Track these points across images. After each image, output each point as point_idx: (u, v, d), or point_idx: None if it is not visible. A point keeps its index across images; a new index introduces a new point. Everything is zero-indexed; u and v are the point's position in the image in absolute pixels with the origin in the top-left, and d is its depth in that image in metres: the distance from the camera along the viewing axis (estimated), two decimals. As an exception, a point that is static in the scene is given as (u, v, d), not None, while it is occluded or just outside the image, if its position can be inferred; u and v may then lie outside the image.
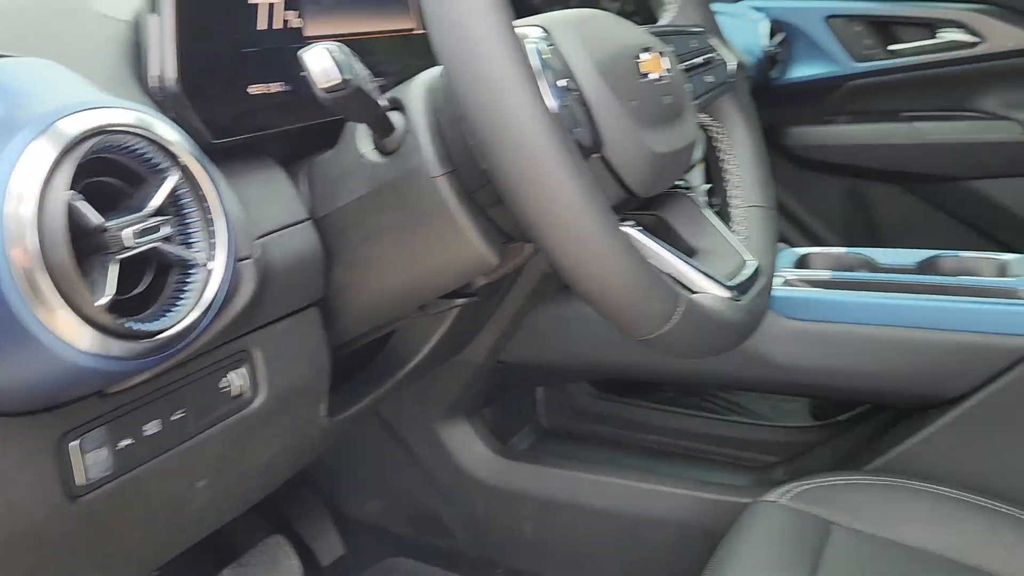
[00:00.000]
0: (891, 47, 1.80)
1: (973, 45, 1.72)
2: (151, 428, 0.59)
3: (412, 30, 0.82)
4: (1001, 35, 1.69)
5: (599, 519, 1.19)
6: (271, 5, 0.68)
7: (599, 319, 0.60)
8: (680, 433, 1.34)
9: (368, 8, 0.77)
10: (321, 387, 0.75)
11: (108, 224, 0.45)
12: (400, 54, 0.79)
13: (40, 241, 0.41)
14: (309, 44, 0.58)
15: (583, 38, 0.62)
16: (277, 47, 0.67)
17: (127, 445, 0.57)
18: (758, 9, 1.82)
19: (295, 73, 0.62)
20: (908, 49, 1.78)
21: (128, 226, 0.45)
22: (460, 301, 0.78)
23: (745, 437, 1.29)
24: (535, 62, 0.57)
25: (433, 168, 0.64)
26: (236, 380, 0.65)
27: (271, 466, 0.75)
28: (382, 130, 0.65)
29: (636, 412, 1.39)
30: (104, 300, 0.44)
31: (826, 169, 1.91)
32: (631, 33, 0.67)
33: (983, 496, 0.91)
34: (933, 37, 1.76)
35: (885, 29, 1.81)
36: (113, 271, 0.45)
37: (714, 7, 0.90)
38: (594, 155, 0.61)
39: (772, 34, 1.79)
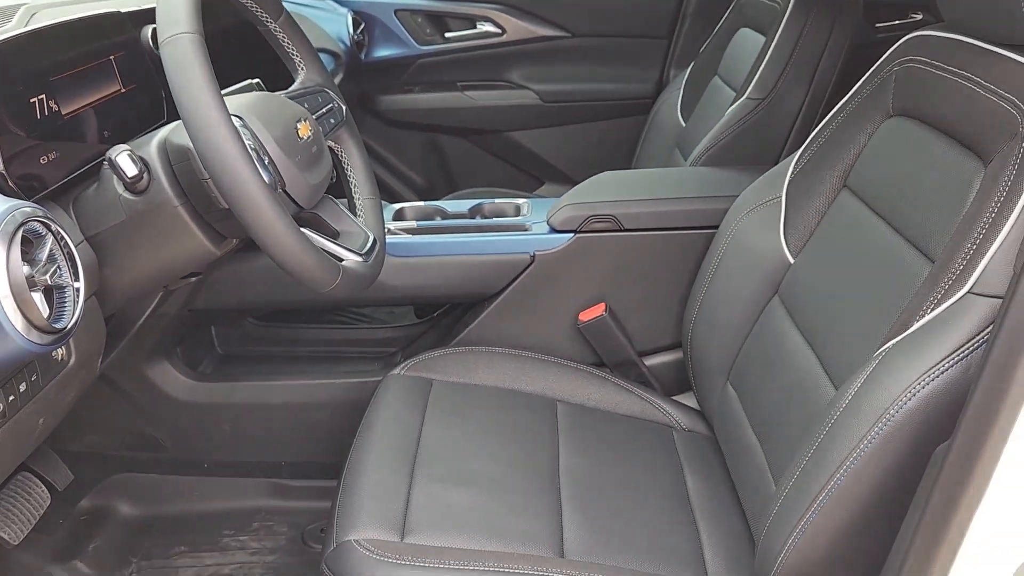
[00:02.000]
0: (446, 34, 2.40)
1: (499, 35, 2.38)
2: (23, 387, 0.94)
3: (119, 91, 1.17)
4: (516, 28, 2.37)
5: (277, 412, 1.66)
6: (40, 100, 1.01)
7: (269, 273, 1.05)
8: (325, 342, 1.83)
9: (83, 84, 1.11)
10: (99, 348, 1.12)
11: (35, 273, 0.81)
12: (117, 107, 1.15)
13: (11, 289, 0.78)
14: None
15: (263, 122, 1.06)
16: (50, 128, 1.02)
17: (11, 399, 0.93)
18: (340, 3, 2.29)
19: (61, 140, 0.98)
20: (457, 36, 2.41)
21: (44, 273, 0.82)
22: (192, 279, 1.19)
23: (373, 337, 1.83)
24: (248, 147, 1.00)
25: (175, 201, 1.05)
26: (59, 350, 1.01)
27: (70, 402, 1.12)
28: (136, 180, 1.03)
29: (291, 332, 1.85)
30: (46, 314, 0.81)
31: (410, 127, 2.49)
32: (289, 109, 1.12)
33: (517, 349, 1.55)
34: (473, 27, 2.39)
35: (440, 20, 2.40)
36: (39, 297, 0.82)
37: (304, 3, 1.35)
38: (281, 190, 1.06)
39: (356, 24, 2.28)
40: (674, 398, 1.56)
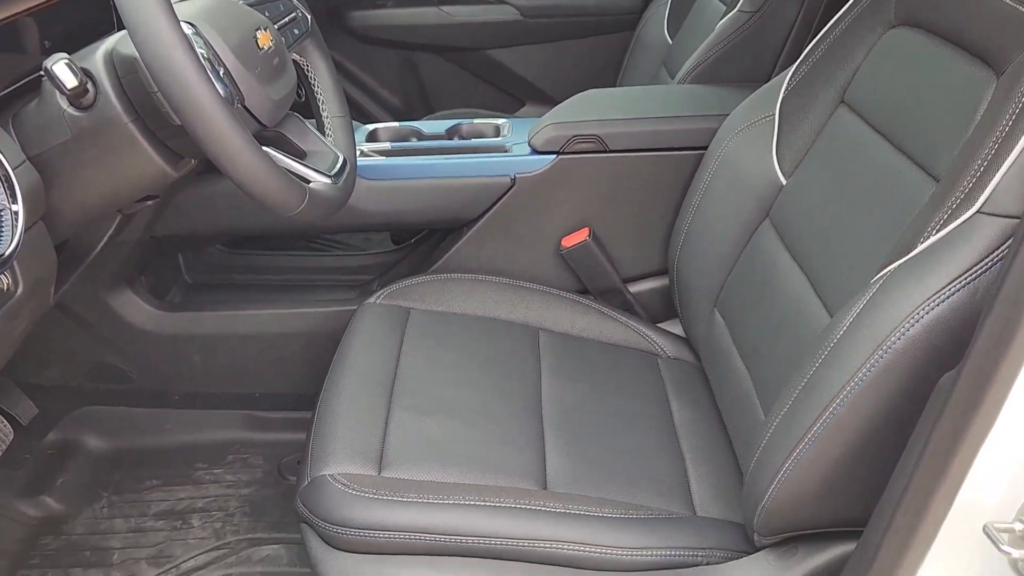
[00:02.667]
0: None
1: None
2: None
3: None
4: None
5: (249, 342, 1.60)
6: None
7: (234, 197, 0.98)
8: (298, 270, 1.77)
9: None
10: (51, 277, 1.05)
11: None
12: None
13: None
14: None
15: (218, 30, 0.97)
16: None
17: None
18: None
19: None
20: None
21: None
22: (149, 203, 1.11)
23: (348, 264, 1.76)
24: (201, 56, 0.92)
25: (125, 117, 0.96)
26: (5, 280, 0.94)
27: (22, 333, 1.05)
28: (79, 94, 0.95)
29: (262, 260, 1.78)
30: None
31: (384, 45, 2.37)
32: (247, 17, 1.03)
33: (496, 276, 1.49)
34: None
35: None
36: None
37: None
38: (239, 105, 0.98)
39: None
40: (659, 325, 1.52)
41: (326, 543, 1.03)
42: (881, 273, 0.91)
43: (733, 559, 1.05)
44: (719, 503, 1.13)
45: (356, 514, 1.00)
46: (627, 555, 1.02)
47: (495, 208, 1.51)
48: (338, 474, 1.05)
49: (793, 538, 1.01)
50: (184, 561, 1.35)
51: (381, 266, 1.74)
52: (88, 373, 1.61)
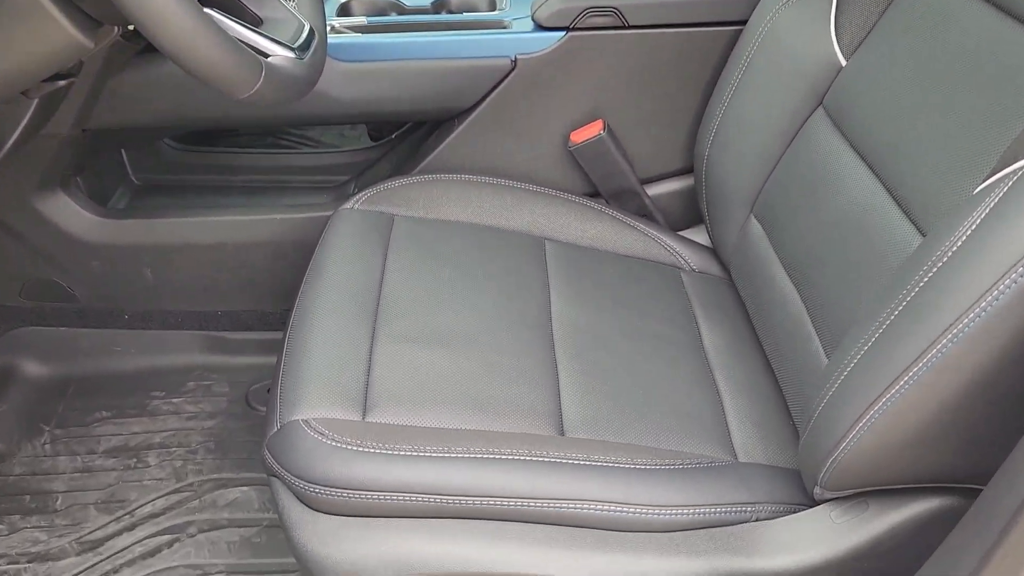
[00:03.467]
0: None
1: None
2: None
3: None
4: None
5: (208, 253, 1.38)
6: None
7: (179, 80, 0.76)
8: (263, 170, 1.54)
9: None
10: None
11: None
12: None
13: None
14: None
15: None
16: None
17: None
18: None
19: None
20: None
21: None
22: (61, 83, 0.88)
23: (320, 164, 1.54)
24: None
25: (19, -33, 0.72)
26: None
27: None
28: None
29: (221, 158, 1.55)
30: None
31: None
32: None
33: (494, 177, 1.28)
34: None
35: None
36: None
37: None
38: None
39: None
40: (681, 234, 1.33)
41: (301, 502, 0.85)
42: (1003, 173, 0.71)
43: (786, 513, 0.89)
44: (764, 446, 0.96)
45: (337, 469, 0.82)
46: (665, 514, 0.85)
47: (491, 96, 1.29)
48: (314, 420, 0.87)
49: (863, 492, 0.85)
50: (139, 506, 1.18)
51: (357, 166, 1.52)
52: (24, 290, 1.40)
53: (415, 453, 0.83)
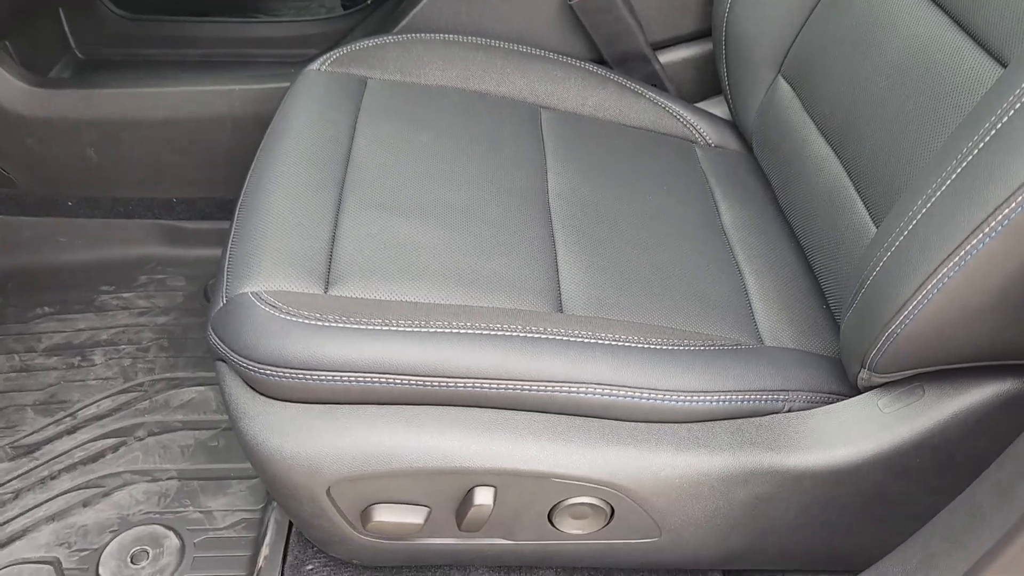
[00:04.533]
0: None
1: None
2: None
3: None
4: None
5: (157, 130, 1.22)
6: None
7: None
8: (224, 42, 1.37)
9: None
10: None
11: None
12: None
13: None
14: None
15: None
16: None
17: None
18: None
19: None
20: None
21: None
22: None
23: (287, 34, 1.36)
24: None
25: None
26: None
27: None
28: None
29: (175, 28, 1.37)
30: None
31: None
32: None
33: (480, 36, 1.11)
34: None
35: None
36: None
37: None
38: None
39: None
40: (696, 104, 1.17)
41: (251, 387, 0.72)
42: None
43: (823, 403, 0.76)
44: (793, 330, 0.83)
45: (292, 347, 0.68)
46: (683, 401, 0.72)
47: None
48: (265, 292, 0.72)
49: (917, 376, 0.72)
50: (82, 407, 1.04)
51: (328, 36, 1.35)
52: (-51, 173, 1.24)
53: (387, 327, 0.69)
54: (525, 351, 0.70)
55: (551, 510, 0.72)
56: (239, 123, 1.21)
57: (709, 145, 1.10)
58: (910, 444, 0.71)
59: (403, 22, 1.17)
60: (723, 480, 0.72)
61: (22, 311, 1.18)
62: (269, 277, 0.74)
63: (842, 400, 0.76)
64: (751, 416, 0.74)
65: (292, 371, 0.68)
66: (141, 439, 1.01)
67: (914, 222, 0.65)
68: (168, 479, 0.97)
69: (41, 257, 1.25)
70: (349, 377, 0.68)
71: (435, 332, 0.69)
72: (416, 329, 0.69)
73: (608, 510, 0.72)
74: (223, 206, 1.28)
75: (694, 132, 1.11)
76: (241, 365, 0.70)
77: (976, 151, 0.61)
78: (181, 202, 1.28)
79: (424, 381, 0.68)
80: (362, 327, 0.69)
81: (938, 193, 0.63)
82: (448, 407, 0.69)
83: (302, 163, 0.87)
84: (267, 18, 1.40)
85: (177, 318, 1.17)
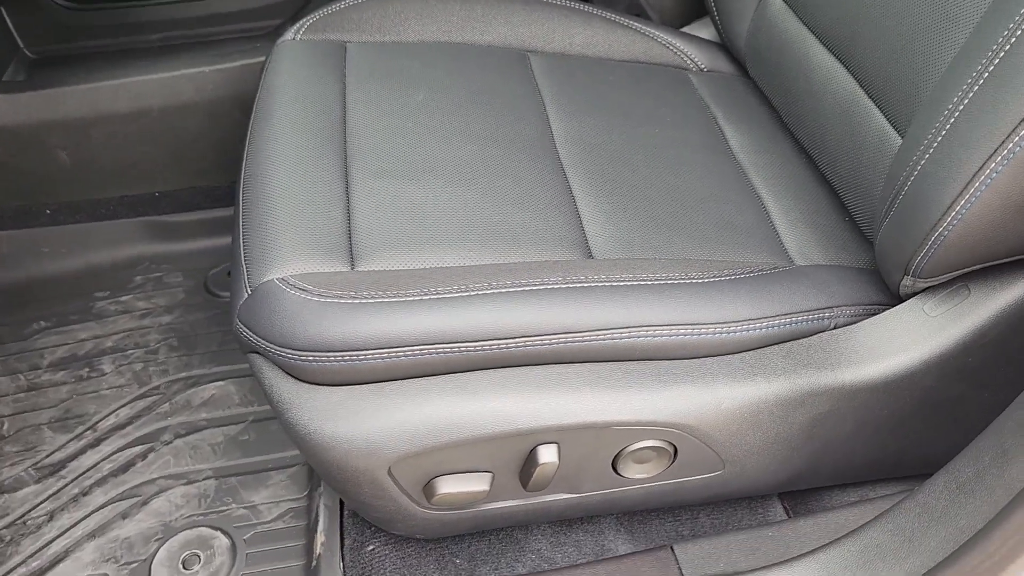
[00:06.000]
0: None
1: None
2: None
3: None
4: None
5: (129, 123, 1.17)
6: None
7: None
8: (180, 23, 1.30)
9: None
10: None
11: None
12: None
13: None
14: None
15: None
16: None
17: None
18: None
19: None
20: None
21: None
22: None
23: (247, 7, 1.30)
24: None
25: None
26: None
27: None
28: None
29: (127, 15, 1.31)
30: None
31: None
32: None
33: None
34: None
35: None
36: None
37: None
38: None
39: None
40: (682, 30, 1.14)
41: (292, 376, 0.69)
42: None
43: (867, 315, 0.75)
44: (822, 247, 0.82)
45: (331, 329, 0.66)
46: (734, 331, 0.71)
47: None
48: (291, 277, 0.70)
49: (960, 276, 0.71)
50: (101, 419, 1.01)
51: (290, 3, 1.29)
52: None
53: (427, 296, 0.67)
54: (570, 302, 0.68)
55: (615, 458, 0.71)
56: (214, 106, 1.17)
57: (702, 70, 1.08)
58: (961, 345, 0.71)
59: (370, -18, 1.12)
60: (781, 405, 0.71)
61: (18, 328, 1.14)
62: (292, 261, 0.71)
63: (885, 309, 0.75)
64: (800, 338, 0.73)
65: (335, 354, 0.66)
66: (169, 443, 0.99)
67: (952, 120, 0.63)
68: (205, 479, 0.94)
69: (26, 271, 1.21)
70: (396, 353, 0.66)
71: (476, 295, 0.67)
72: (457, 295, 0.67)
73: (671, 450, 0.71)
74: (209, 194, 1.24)
75: (685, 59, 1.08)
76: (280, 355, 0.67)
77: (1015, 39, 0.59)
78: (164, 195, 1.24)
79: (473, 346, 0.66)
80: (401, 299, 0.67)
81: (975, 88, 0.62)
82: (500, 369, 0.68)
83: (299, 138, 0.84)
84: (223, -7, 1.33)
85: (182, 315, 1.14)
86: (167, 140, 1.18)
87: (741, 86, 1.06)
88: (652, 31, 1.08)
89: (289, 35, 1.00)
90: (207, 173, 1.22)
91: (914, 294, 0.74)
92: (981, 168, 0.60)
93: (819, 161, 0.90)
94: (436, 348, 0.66)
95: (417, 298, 0.67)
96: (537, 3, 1.07)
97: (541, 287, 0.68)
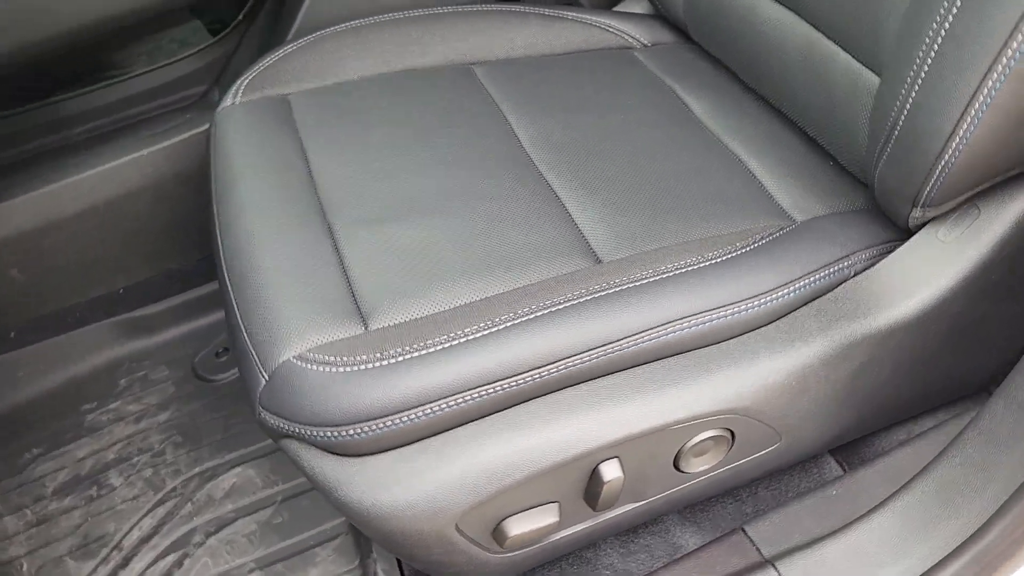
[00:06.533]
0: None
1: None
2: None
3: None
4: None
5: (80, 222, 1.11)
6: None
7: None
8: (102, 110, 1.24)
9: None
10: None
11: None
12: None
13: None
14: None
15: None
16: None
17: None
18: None
19: None
20: None
21: None
22: None
23: (165, 80, 1.25)
24: None
25: None
26: None
27: None
28: None
29: (43, 114, 1.25)
30: None
31: None
32: None
33: (382, 13, 1.04)
34: None
35: None
36: None
37: None
38: None
39: None
40: (616, 10, 1.13)
41: (334, 453, 0.66)
42: None
43: (883, 256, 0.75)
44: (817, 197, 0.81)
45: (367, 397, 0.63)
46: (764, 302, 0.70)
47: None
48: (308, 352, 0.66)
49: (967, 198, 0.71)
50: (124, 536, 0.96)
51: (212, 67, 1.25)
52: None
53: (457, 341, 0.64)
54: (599, 313, 0.66)
55: (676, 457, 0.70)
56: (161, 188, 1.12)
57: (646, 46, 1.07)
58: (981, 265, 0.71)
59: (295, 26, 1.09)
60: (824, 364, 0.70)
61: (11, 461, 1.08)
62: (303, 335, 0.68)
63: (897, 245, 0.75)
64: (825, 293, 0.73)
65: (376, 422, 0.63)
66: (201, 544, 0.95)
67: (936, 46, 0.63)
68: (249, 572, 0.91)
69: (6, 400, 1.15)
70: (437, 406, 0.63)
71: (506, 328, 0.65)
72: (485, 332, 0.65)
73: (729, 436, 0.70)
74: (176, 278, 1.19)
75: (627, 38, 1.07)
76: (318, 435, 0.64)
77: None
78: (130, 290, 1.18)
79: (515, 381, 0.64)
80: (430, 351, 0.64)
81: (955, 7, 0.61)
82: (546, 397, 0.65)
83: (272, 205, 0.81)
84: (138, 70, 1.28)
85: (178, 409, 1.09)
86: (120, 233, 1.13)
87: (689, 54, 1.05)
88: (588, 17, 1.07)
89: (227, 101, 0.96)
90: (169, 257, 1.18)
91: (924, 224, 0.73)
92: (977, 90, 0.60)
93: (789, 112, 0.89)
94: (478, 392, 0.63)
95: (446, 345, 0.64)
96: (468, 12, 1.05)
97: (566, 304, 0.66)
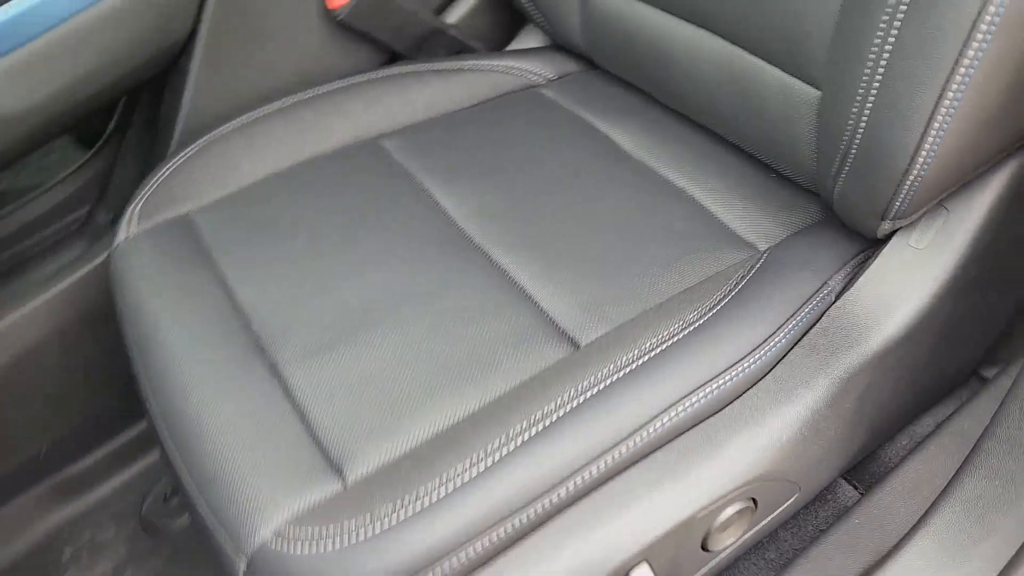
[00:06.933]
0: None
1: None
2: None
3: None
4: None
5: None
6: None
7: None
8: None
9: None
10: None
11: None
12: None
13: None
14: None
15: None
16: None
17: None
18: None
19: None
20: None
21: None
22: None
23: (41, 212, 1.13)
24: None
25: None
26: None
27: None
28: None
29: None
30: None
31: None
32: None
33: (267, 104, 0.96)
34: None
35: None
36: None
37: None
38: None
39: None
40: (509, 49, 1.08)
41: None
42: None
43: (855, 270, 0.72)
44: (774, 220, 0.78)
45: (367, 569, 0.56)
46: (758, 357, 0.66)
47: (207, 4, 0.94)
48: (287, 527, 0.59)
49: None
50: None
51: (90, 188, 1.14)
52: None
53: (453, 481, 0.58)
54: (596, 416, 0.61)
55: (703, 541, 0.65)
56: (66, 335, 1.01)
57: (551, 80, 1.02)
58: (960, 264, 0.69)
59: (176, 136, 0.99)
60: (828, 403, 0.67)
61: (-41, 674, 0.96)
62: (276, 507, 0.60)
63: (867, 255, 0.72)
64: (811, 327, 0.69)
65: (380, 593, 0.56)
66: None
67: (884, 61, 0.59)
68: None
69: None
70: (449, 560, 0.57)
71: (503, 457, 0.59)
72: (482, 468, 0.58)
73: (752, 504, 0.66)
74: (99, 426, 1.08)
75: (528, 76, 1.02)
76: None
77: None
78: (53, 450, 1.07)
79: (524, 515, 0.58)
80: (428, 503, 0.57)
81: (900, 15, 0.57)
82: (560, 517, 0.60)
83: (202, 351, 0.72)
84: (5, 210, 1.16)
85: (136, 570, 0.99)
86: (29, 393, 1.02)
87: (598, 80, 1.00)
88: (485, 63, 1.01)
89: (122, 234, 0.87)
90: (88, 405, 1.07)
91: (893, 232, 0.71)
92: (938, 103, 0.57)
93: (719, 131, 0.86)
94: (487, 537, 0.57)
95: (442, 494, 0.57)
96: (362, 85, 0.98)
97: (559, 413, 0.61)
